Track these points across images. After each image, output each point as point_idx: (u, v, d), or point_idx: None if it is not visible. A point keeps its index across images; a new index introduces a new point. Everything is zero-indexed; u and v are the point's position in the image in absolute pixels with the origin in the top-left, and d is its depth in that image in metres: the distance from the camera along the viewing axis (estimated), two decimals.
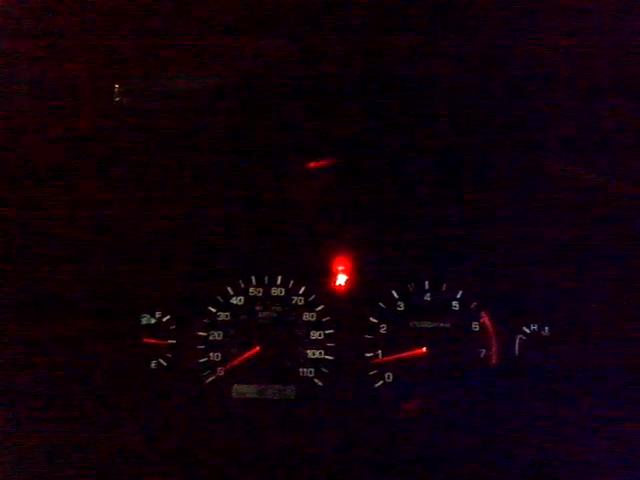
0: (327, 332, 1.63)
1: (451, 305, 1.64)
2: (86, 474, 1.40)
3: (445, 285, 1.65)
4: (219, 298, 1.64)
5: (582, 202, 1.59)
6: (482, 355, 1.61)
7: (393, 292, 1.65)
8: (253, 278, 1.66)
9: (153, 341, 1.62)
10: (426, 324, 1.63)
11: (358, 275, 1.66)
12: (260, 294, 1.65)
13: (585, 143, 1.53)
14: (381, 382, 1.60)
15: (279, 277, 1.66)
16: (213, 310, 1.63)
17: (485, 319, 1.63)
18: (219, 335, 1.62)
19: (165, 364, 1.61)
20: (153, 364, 1.61)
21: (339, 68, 1.52)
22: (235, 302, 1.64)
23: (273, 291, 1.65)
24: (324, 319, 1.63)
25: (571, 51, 1.41)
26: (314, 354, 1.61)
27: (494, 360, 1.62)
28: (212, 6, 1.40)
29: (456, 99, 1.54)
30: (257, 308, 1.63)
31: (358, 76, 1.53)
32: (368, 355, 1.61)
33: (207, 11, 1.42)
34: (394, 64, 1.51)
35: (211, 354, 1.61)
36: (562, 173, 1.58)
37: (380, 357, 1.61)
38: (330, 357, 1.61)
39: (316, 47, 1.49)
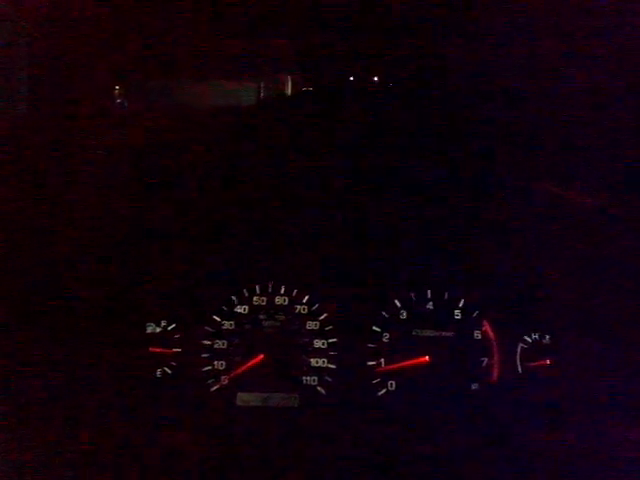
0: (330, 341, 1.64)
1: (453, 314, 1.65)
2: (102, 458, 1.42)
3: (447, 294, 1.66)
4: (223, 307, 1.65)
5: (582, 211, 1.61)
6: (484, 363, 1.63)
7: (396, 301, 1.66)
8: (257, 287, 1.67)
9: (158, 350, 1.63)
10: (428, 333, 1.64)
11: (361, 284, 1.67)
12: (264, 303, 1.66)
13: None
14: (384, 390, 1.62)
15: (283, 286, 1.67)
16: (217, 319, 1.64)
17: (487, 328, 1.65)
18: (223, 344, 1.63)
19: (170, 372, 1.62)
20: (158, 372, 1.62)
21: (340, 70, 1.54)
22: (239, 311, 1.65)
23: (277, 300, 1.66)
24: (327, 328, 1.65)
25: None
26: (317, 362, 1.63)
27: (496, 368, 1.63)
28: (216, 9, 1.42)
29: (459, 102, 1.55)
30: (261, 317, 1.65)
31: (359, 78, 1.54)
32: (371, 363, 1.63)
33: (210, 14, 1.44)
34: (395, 67, 1.52)
35: (215, 362, 1.62)
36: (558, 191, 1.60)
37: (383, 365, 1.62)
38: (333, 365, 1.63)
39: (318, 49, 1.50)
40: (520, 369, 1.63)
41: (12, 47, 1.41)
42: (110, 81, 1.57)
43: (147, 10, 1.43)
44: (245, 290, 1.67)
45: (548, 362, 1.62)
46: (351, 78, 1.59)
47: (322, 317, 1.65)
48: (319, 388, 1.62)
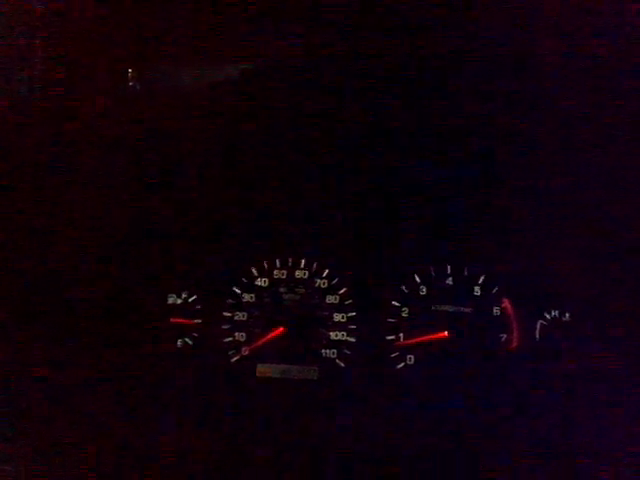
0: (350, 314, 1.65)
1: (473, 290, 1.65)
2: (110, 450, 1.43)
3: (467, 270, 1.66)
4: (244, 279, 1.67)
5: (604, 188, 1.60)
6: (503, 339, 1.63)
7: (415, 276, 1.66)
8: (277, 260, 1.68)
9: (180, 321, 1.65)
10: (447, 308, 1.65)
11: (381, 259, 1.67)
12: (284, 276, 1.67)
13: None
14: (403, 364, 1.63)
15: (303, 260, 1.68)
16: (238, 291, 1.66)
17: (506, 304, 1.65)
18: (244, 316, 1.65)
19: (191, 343, 1.65)
20: (179, 343, 1.64)
21: (342, 66, 1.53)
22: (259, 284, 1.67)
23: (297, 273, 1.67)
24: (347, 302, 1.66)
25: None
26: (337, 336, 1.64)
27: (514, 345, 1.63)
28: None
29: (463, 90, 1.54)
30: (281, 290, 1.66)
31: (359, 78, 1.54)
32: (390, 338, 1.63)
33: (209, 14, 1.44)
34: (396, 63, 1.51)
35: (236, 334, 1.64)
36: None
37: (402, 340, 1.63)
38: (352, 339, 1.64)
39: (321, 43, 1.50)
40: (539, 346, 1.63)
41: (12, 46, 1.41)
42: (110, 81, 1.57)
43: (147, 8, 1.43)
44: (265, 263, 1.68)
45: (568, 339, 1.62)
46: (351, 78, 1.58)
47: (342, 291, 1.66)
48: (338, 361, 1.63)
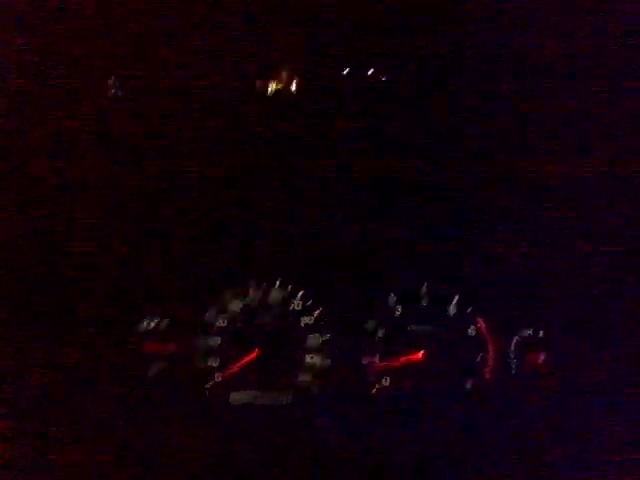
0: (325, 337, 1.63)
1: (447, 310, 1.65)
2: (109, 450, 1.43)
3: (442, 290, 1.66)
4: (217, 303, 1.64)
5: (578, 205, 1.61)
6: (478, 359, 1.63)
7: (390, 296, 1.65)
8: (252, 282, 1.66)
9: (152, 346, 1.62)
10: (423, 328, 1.64)
11: (355, 280, 1.66)
12: (258, 298, 1.65)
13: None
14: (378, 386, 1.62)
15: (277, 281, 1.66)
16: (211, 315, 1.63)
17: (481, 323, 1.65)
18: (217, 340, 1.62)
19: (164, 369, 1.61)
20: (152, 369, 1.61)
21: (342, 66, 1.53)
22: (233, 307, 1.64)
23: (271, 296, 1.65)
24: (322, 323, 1.64)
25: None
26: (312, 358, 1.62)
27: (490, 364, 1.63)
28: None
29: (463, 90, 1.55)
30: (255, 313, 1.63)
31: (361, 73, 1.53)
32: (365, 359, 1.62)
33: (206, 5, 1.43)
34: (397, 63, 1.51)
35: (209, 359, 1.61)
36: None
37: (377, 361, 1.62)
38: (327, 361, 1.62)
39: (321, 44, 1.49)
40: (515, 364, 1.63)
41: (10, 45, 1.40)
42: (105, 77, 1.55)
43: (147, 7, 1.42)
44: (239, 286, 1.65)
45: (543, 357, 1.63)
46: (351, 77, 1.58)
47: (316, 313, 1.64)
48: (313, 384, 1.62)
